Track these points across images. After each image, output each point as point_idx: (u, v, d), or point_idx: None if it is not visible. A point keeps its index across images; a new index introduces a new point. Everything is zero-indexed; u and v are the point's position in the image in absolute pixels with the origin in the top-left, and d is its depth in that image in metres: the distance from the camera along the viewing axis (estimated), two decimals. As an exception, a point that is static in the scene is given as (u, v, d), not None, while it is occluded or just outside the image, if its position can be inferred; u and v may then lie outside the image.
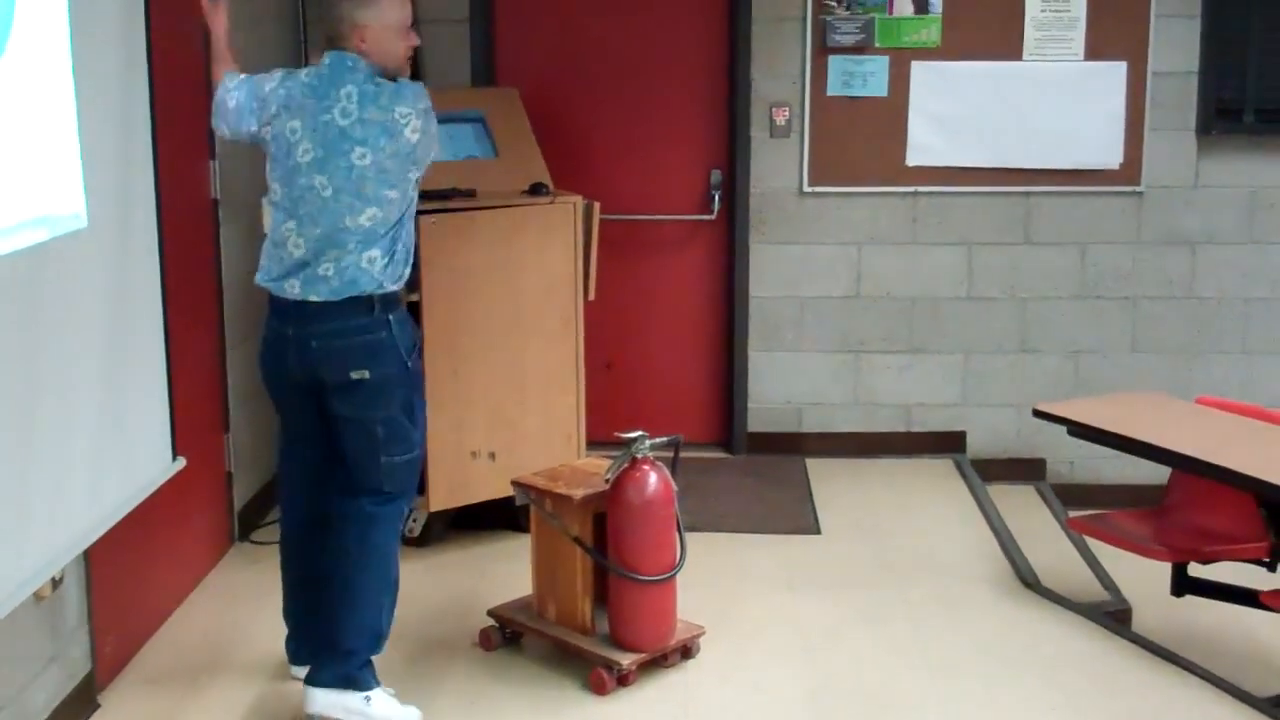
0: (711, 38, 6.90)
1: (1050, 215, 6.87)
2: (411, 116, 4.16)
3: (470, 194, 5.60)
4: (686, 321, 7.13)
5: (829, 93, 6.77)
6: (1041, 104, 6.73)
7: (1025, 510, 6.57)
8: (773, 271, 6.95)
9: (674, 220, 7.03)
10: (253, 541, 5.81)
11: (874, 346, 7.00)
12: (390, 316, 4.17)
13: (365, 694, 4.20)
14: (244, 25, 5.83)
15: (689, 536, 4.78)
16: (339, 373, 4.16)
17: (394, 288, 4.21)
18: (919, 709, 4.50)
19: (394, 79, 4.23)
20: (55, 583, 4.01)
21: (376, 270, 4.13)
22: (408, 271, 4.27)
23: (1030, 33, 6.69)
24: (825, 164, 6.83)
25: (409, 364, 4.24)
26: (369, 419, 4.20)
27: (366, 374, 4.14)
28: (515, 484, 4.89)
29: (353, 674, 4.20)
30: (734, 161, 6.90)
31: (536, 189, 5.72)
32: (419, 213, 5.24)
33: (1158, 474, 5.38)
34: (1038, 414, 5.37)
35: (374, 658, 4.28)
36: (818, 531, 6.04)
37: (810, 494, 6.50)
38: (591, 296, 5.83)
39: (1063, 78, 6.71)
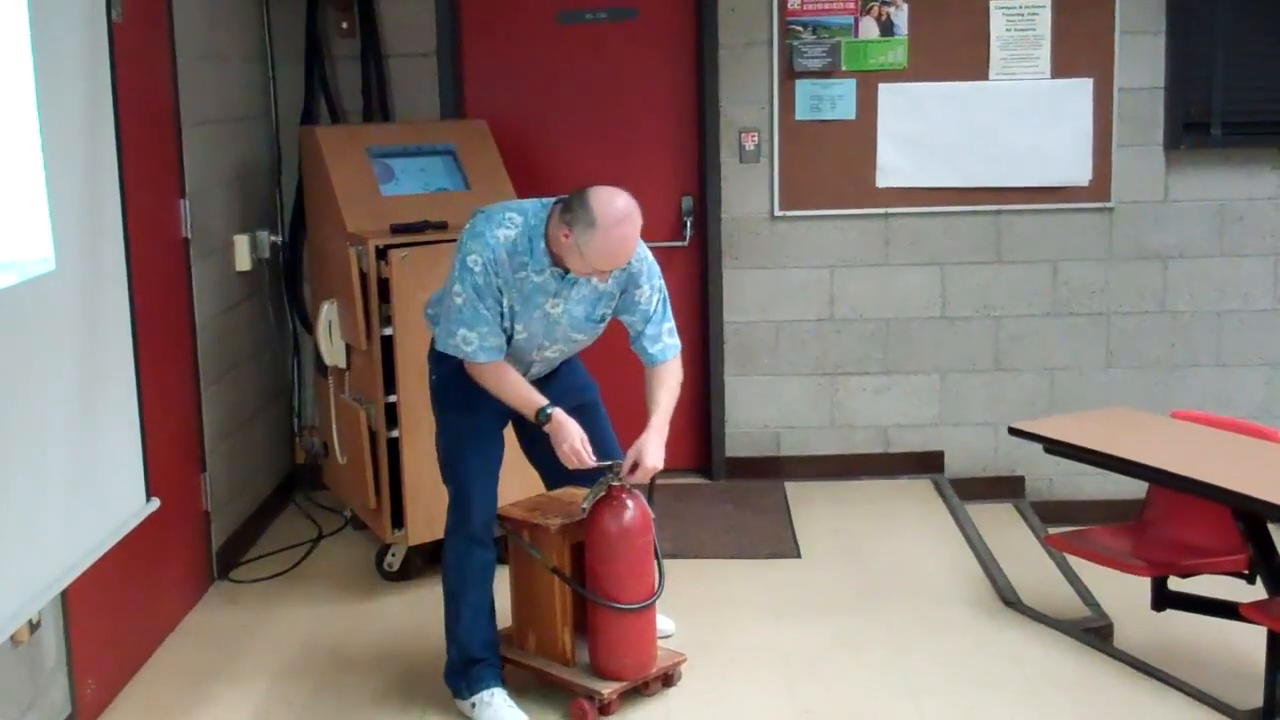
0: (679, 64, 6.92)
1: (1021, 233, 6.89)
2: None
3: (442, 226, 5.59)
4: (662, 348, 7.09)
5: (797, 117, 6.79)
6: (1009, 122, 6.76)
7: (1005, 528, 6.57)
8: (746, 296, 6.95)
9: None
10: (232, 580, 5.78)
11: (849, 369, 7.01)
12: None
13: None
14: (211, 59, 5.84)
15: (668, 563, 4.78)
16: None
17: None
18: (903, 731, 4.50)
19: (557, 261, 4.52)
20: (32, 626, 3.99)
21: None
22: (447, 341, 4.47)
23: (996, 52, 6.71)
24: (795, 188, 6.84)
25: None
26: None
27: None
28: (493, 515, 4.88)
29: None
30: (704, 187, 6.91)
31: (508, 220, 5.71)
32: (389, 246, 5.32)
33: (1136, 489, 5.40)
34: (1014, 432, 5.38)
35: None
36: (798, 555, 6.04)
37: (789, 518, 6.49)
38: (565, 326, 5.82)
39: (1030, 96, 6.74)
